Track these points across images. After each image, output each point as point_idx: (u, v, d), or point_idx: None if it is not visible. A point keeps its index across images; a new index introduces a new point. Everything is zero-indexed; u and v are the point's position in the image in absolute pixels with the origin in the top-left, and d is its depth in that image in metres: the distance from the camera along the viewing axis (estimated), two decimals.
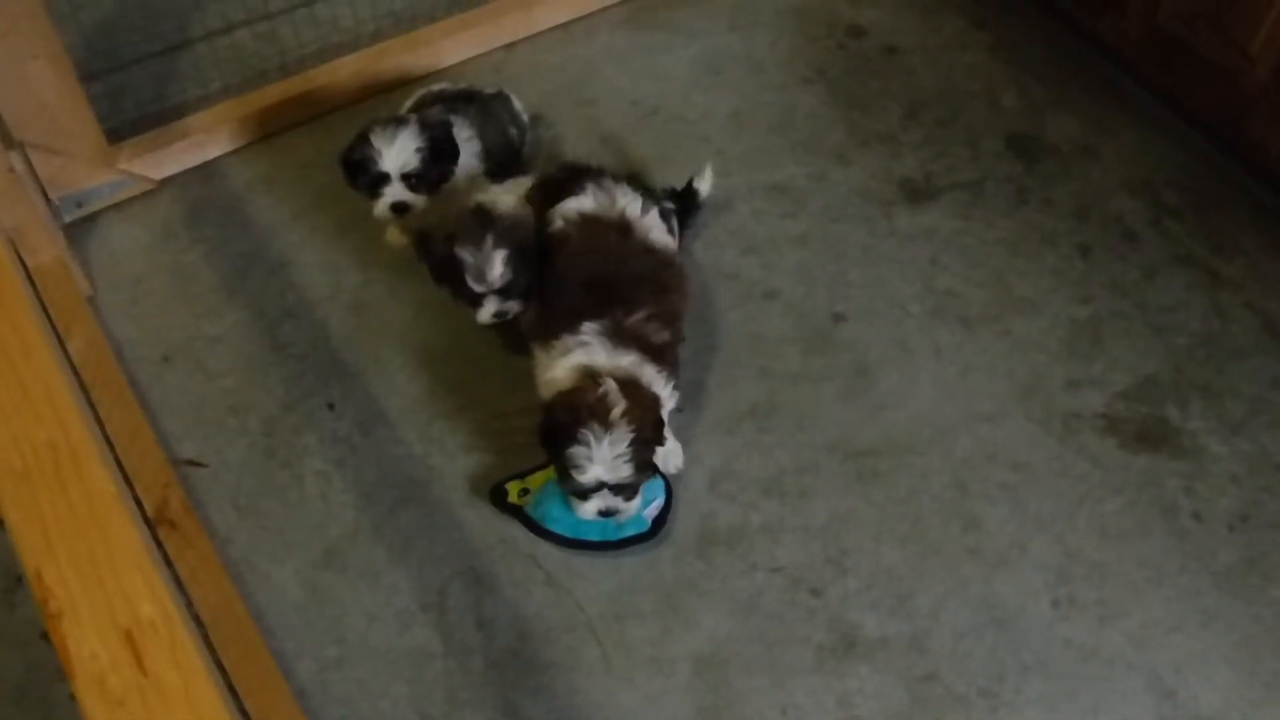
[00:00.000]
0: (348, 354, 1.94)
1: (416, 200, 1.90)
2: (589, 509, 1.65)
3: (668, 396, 1.71)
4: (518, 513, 1.75)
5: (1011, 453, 1.84)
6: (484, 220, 1.76)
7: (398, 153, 1.86)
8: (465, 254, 1.73)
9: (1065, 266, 2.06)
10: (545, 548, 1.73)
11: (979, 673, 1.62)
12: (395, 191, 1.89)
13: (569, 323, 1.69)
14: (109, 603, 0.72)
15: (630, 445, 1.58)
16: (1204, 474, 1.81)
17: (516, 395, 1.87)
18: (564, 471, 1.62)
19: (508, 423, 1.85)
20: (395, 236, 2.06)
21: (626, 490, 1.64)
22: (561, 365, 1.67)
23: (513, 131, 2.09)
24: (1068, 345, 1.96)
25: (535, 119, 2.21)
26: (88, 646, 0.69)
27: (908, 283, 2.04)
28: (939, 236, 2.10)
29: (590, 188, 1.84)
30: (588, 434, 1.57)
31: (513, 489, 1.76)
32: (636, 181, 1.92)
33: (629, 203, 1.82)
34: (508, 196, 1.87)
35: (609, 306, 1.70)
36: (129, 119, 2.19)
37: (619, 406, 1.58)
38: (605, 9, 2.47)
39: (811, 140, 2.25)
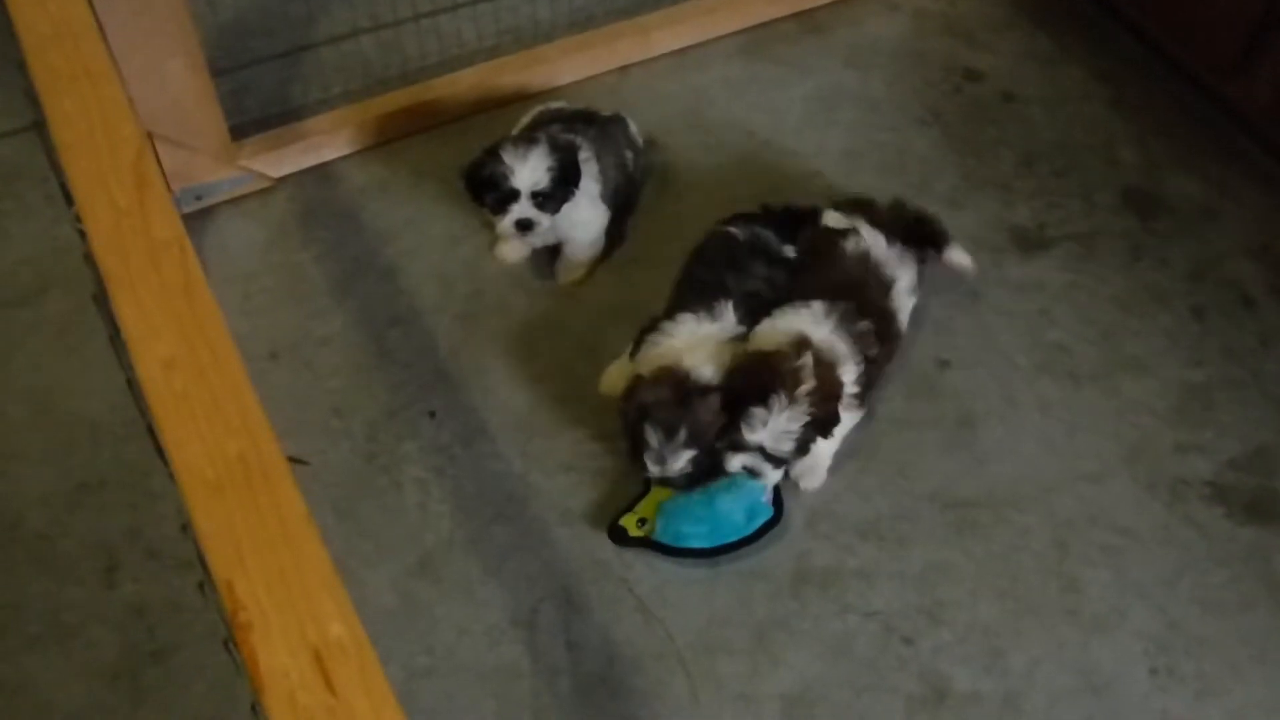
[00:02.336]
0: (452, 365, 1.95)
1: (542, 218, 1.91)
2: (734, 464, 1.69)
3: (851, 399, 1.75)
4: (647, 543, 1.74)
5: (1115, 515, 1.81)
6: (681, 406, 1.67)
7: (530, 171, 1.88)
8: (652, 438, 1.67)
9: (1178, 328, 2.02)
10: (638, 573, 1.73)
11: None
12: (522, 209, 1.90)
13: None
14: (299, 620, 0.72)
15: (803, 426, 1.64)
16: None
17: (615, 419, 1.87)
18: (734, 423, 1.66)
19: (607, 445, 1.85)
20: (507, 251, 2.07)
21: (776, 461, 1.69)
22: (779, 332, 1.72)
23: (628, 155, 2.10)
24: (1178, 409, 1.92)
25: (649, 144, 2.22)
26: (278, 662, 0.69)
27: (1016, 334, 2.01)
28: (1050, 289, 2.07)
29: (897, 245, 1.91)
30: (773, 399, 1.62)
31: (629, 523, 1.75)
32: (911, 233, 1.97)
33: (905, 276, 1.89)
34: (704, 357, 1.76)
35: (840, 300, 1.77)
36: (251, 117, 2.22)
37: (808, 384, 1.64)
38: (721, 38, 2.47)
39: (924, 183, 2.23)
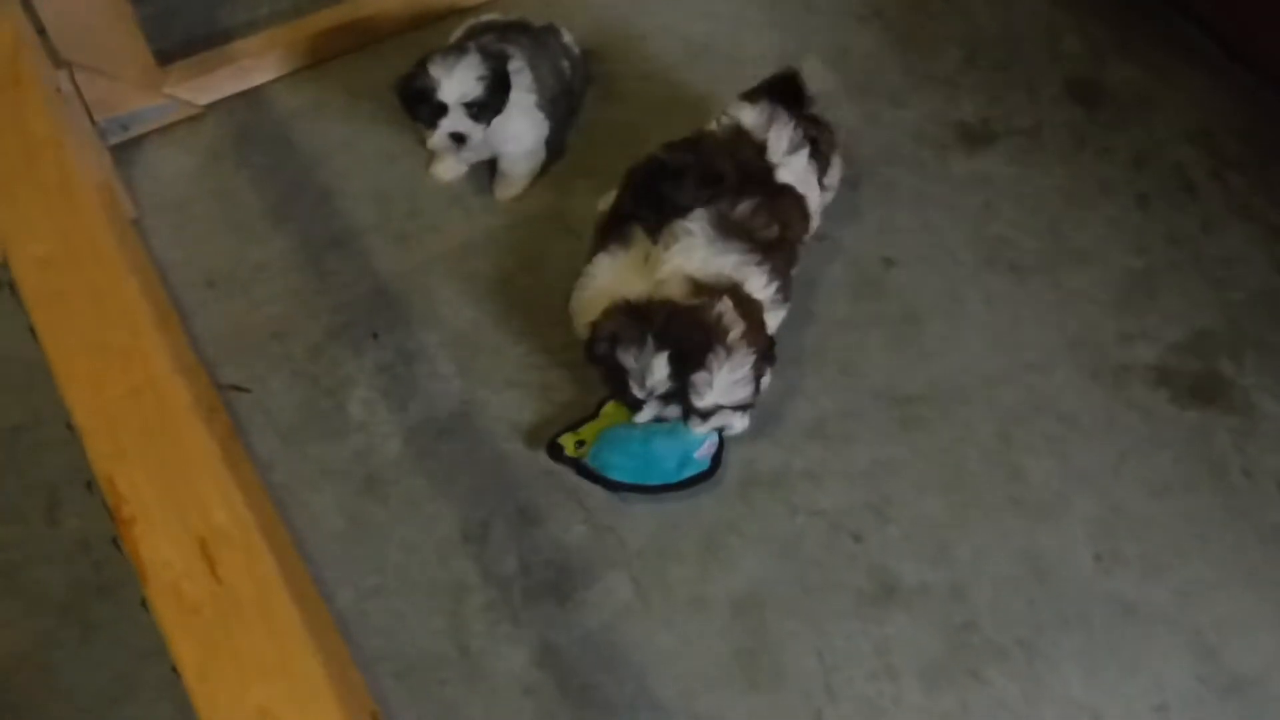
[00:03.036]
0: (393, 284, 1.93)
1: (474, 130, 1.88)
2: (703, 429, 1.68)
3: (773, 301, 1.72)
4: (576, 465, 1.73)
5: (1059, 404, 1.82)
6: (642, 320, 1.65)
7: (458, 83, 1.85)
8: (628, 360, 1.64)
9: (1121, 216, 2.02)
10: (587, 484, 1.73)
11: (1018, 624, 1.62)
12: (453, 121, 1.87)
13: (680, 214, 1.73)
14: (182, 510, 0.71)
15: (751, 367, 1.63)
16: (1255, 431, 1.78)
17: (559, 332, 1.86)
18: (683, 393, 1.64)
19: (551, 358, 1.85)
20: (443, 170, 2.04)
21: (742, 409, 1.68)
22: (667, 266, 1.69)
23: (564, 64, 2.06)
24: (1121, 297, 1.93)
25: (585, 54, 2.17)
26: (161, 553, 0.69)
27: (960, 229, 2.00)
28: (994, 183, 2.06)
29: (762, 104, 1.87)
30: (710, 359, 1.59)
31: (568, 442, 1.74)
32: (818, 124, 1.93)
33: (778, 136, 1.83)
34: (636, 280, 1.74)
35: (719, 199, 1.73)
36: (178, 42, 2.17)
37: (738, 328, 1.61)
38: None
39: (865, 81, 2.20)
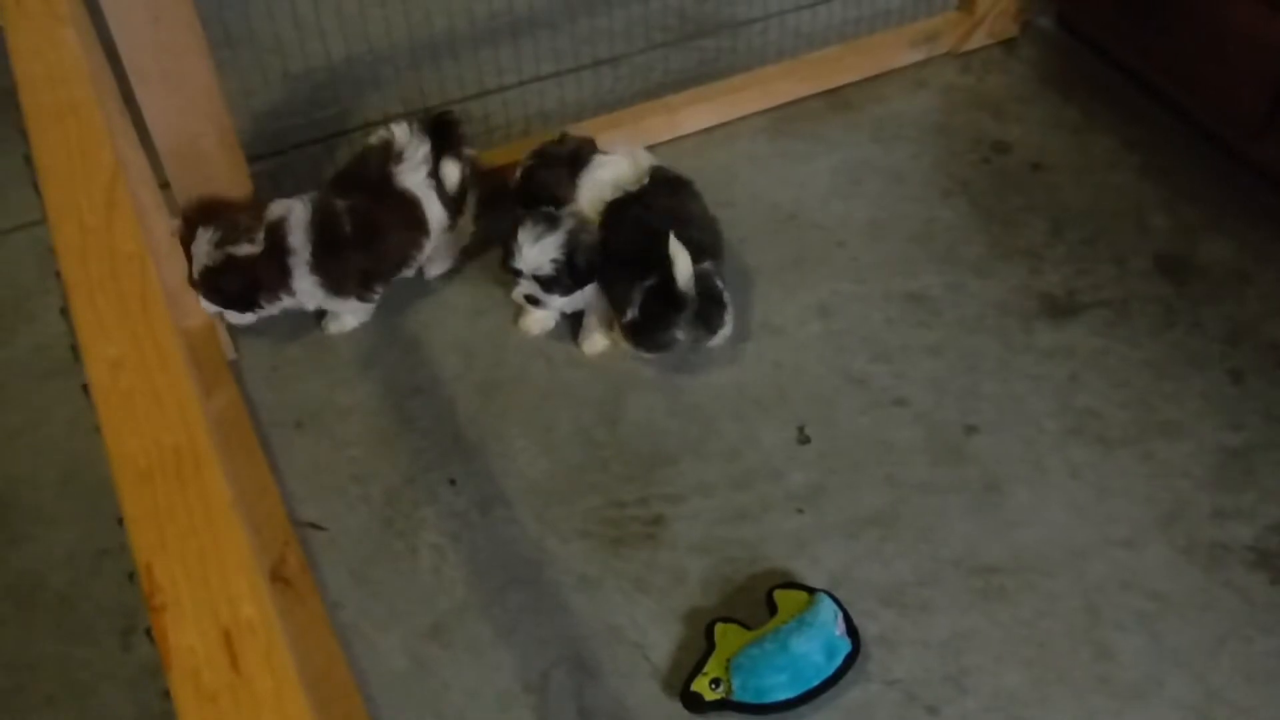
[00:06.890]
0: (472, 432, 1.96)
1: (548, 299, 1.96)
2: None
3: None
4: (727, 705, 1.62)
5: (1150, 581, 1.74)
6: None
7: (534, 256, 1.95)
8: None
9: (1215, 391, 1.97)
10: (653, 638, 1.69)
11: None
12: (527, 286, 1.97)
13: None
14: (212, 601, 0.72)
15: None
16: None
17: (634, 485, 1.86)
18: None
19: (623, 512, 1.84)
20: (531, 324, 2.08)
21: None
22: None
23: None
24: (1216, 473, 1.86)
25: None
26: (186, 640, 0.69)
27: (1044, 399, 1.97)
28: (1080, 354, 2.03)
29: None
30: None
31: (702, 687, 1.62)
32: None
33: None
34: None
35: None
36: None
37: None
38: (748, 116, 2.51)
39: (950, 251, 2.22)
